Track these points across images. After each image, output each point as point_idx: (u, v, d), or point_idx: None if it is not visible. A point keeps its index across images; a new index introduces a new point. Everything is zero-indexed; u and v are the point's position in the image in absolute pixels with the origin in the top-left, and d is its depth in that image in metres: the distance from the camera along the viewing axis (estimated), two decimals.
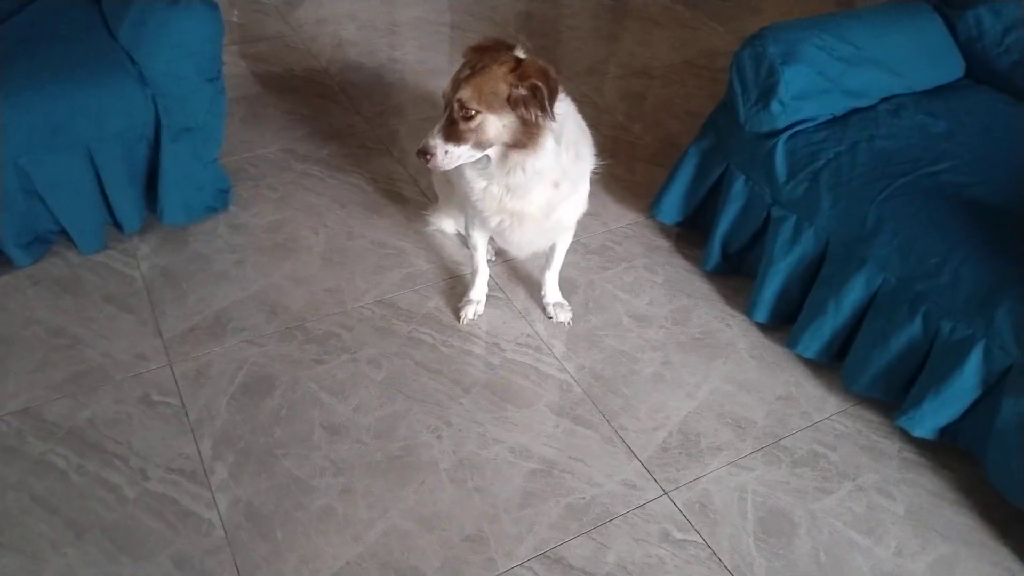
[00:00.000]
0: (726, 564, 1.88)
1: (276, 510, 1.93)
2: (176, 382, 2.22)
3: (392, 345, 2.36)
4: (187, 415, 2.14)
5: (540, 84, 1.81)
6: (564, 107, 1.96)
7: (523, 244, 2.20)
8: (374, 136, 3.22)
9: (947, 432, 2.08)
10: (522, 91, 1.82)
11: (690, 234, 2.75)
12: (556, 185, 2.03)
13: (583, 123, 2.10)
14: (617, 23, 4.28)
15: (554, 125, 1.89)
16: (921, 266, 2.05)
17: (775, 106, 2.33)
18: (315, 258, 2.64)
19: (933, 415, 2.05)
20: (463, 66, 1.88)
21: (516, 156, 1.92)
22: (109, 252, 2.58)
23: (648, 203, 2.81)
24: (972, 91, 2.54)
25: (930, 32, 2.59)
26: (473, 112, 1.84)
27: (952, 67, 2.60)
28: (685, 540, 1.93)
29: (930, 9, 2.61)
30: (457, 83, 1.85)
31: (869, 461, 2.13)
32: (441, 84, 3.57)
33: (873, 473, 2.10)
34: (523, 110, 1.84)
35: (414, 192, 2.94)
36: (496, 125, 1.86)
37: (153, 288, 2.49)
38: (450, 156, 1.88)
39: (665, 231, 2.80)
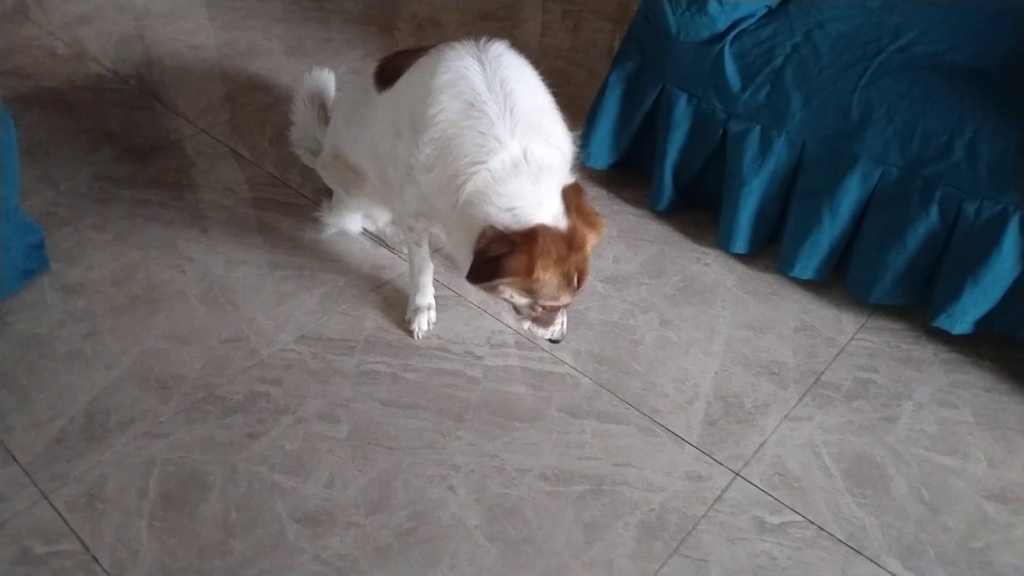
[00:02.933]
0: (839, 537, 1.59)
1: None
2: (63, 518, 1.58)
3: (342, 389, 1.83)
4: (97, 561, 1.51)
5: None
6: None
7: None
8: (209, 139, 2.58)
9: (982, 321, 1.91)
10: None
11: (627, 174, 2.41)
12: None
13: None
14: None
15: None
16: (927, 148, 1.84)
17: (712, 6, 2.02)
18: (192, 304, 2.02)
19: (973, 307, 1.87)
20: (566, 274, 1.54)
21: None
22: None
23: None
24: None
25: None
26: None
27: None
28: (784, 523, 1.61)
29: None
30: (580, 284, 1.59)
31: (913, 373, 1.92)
32: (265, 64, 3.01)
33: (923, 385, 1.90)
34: None
35: (287, 195, 2.36)
36: None
37: None
38: None
39: (597, 177, 2.44)
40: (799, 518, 1.62)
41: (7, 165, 1.90)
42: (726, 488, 1.67)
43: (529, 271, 1.49)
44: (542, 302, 1.60)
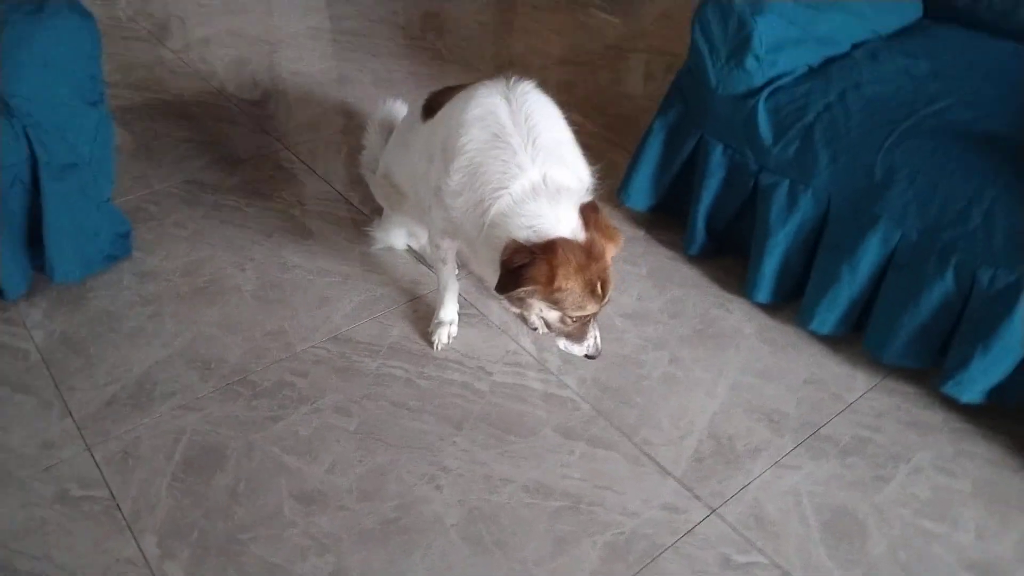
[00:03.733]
0: None
1: None
2: (100, 469, 1.79)
3: (359, 387, 1.99)
4: (119, 509, 1.71)
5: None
6: None
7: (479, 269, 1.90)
8: (290, 156, 2.84)
9: (994, 392, 1.88)
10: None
11: (664, 218, 2.50)
12: None
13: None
14: (520, 15, 4.02)
15: None
16: (945, 213, 1.85)
17: (750, 62, 2.10)
18: (246, 299, 2.24)
19: (983, 376, 1.85)
20: (591, 282, 1.64)
21: None
22: None
23: (610, 191, 2.54)
24: (938, 29, 2.39)
25: None
26: None
27: (911, 7, 2.45)
28: (750, 563, 1.65)
29: None
30: (604, 292, 1.69)
31: (917, 437, 1.91)
32: (353, 93, 3.27)
33: (925, 450, 1.88)
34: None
35: (348, 210, 2.58)
36: None
37: (53, 360, 2.03)
38: None
39: (637, 219, 2.54)
40: (766, 560, 1.65)
41: (104, 159, 2.18)
42: (699, 523, 1.72)
43: (550, 279, 1.59)
44: (569, 312, 1.69)
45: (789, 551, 1.67)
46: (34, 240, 2.13)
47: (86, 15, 2.03)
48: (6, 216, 2.05)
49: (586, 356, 1.81)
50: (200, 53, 3.49)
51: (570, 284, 1.62)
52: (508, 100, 1.78)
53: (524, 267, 1.60)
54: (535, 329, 2.15)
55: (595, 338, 1.79)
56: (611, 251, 1.69)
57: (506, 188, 1.67)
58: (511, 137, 1.72)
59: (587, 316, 1.72)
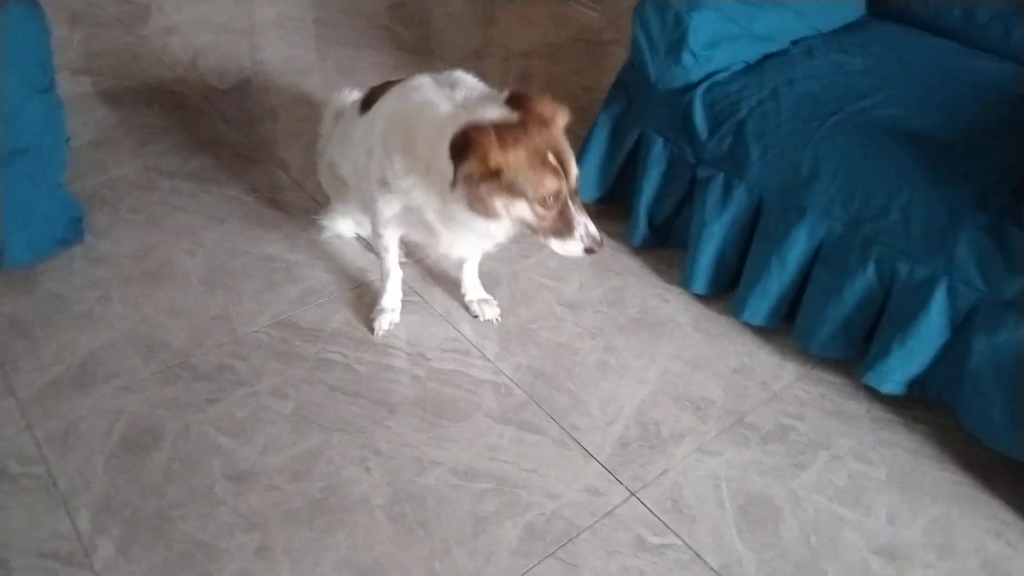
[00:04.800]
0: (712, 565, 1.67)
1: None
2: (39, 446, 1.84)
3: (298, 371, 2.04)
4: (56, 485, 1.76)
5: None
6: None
7: (458, 241, 1.91)
8: (248, 143, 2.87)
9: (915, 384, 1.94)
10: None
11: (610, 209, 2.54)
12: None
13: None
14: (492, 5, 4.05)
15: None
16: (867, 207, 1.90)
17: (686, 57, 2.15)
18: (193, 283, 2.28)
19: (901, 367, 1.90)
20: (538, 153, 1.60)
21: None
22: None
23: None
24: (877, 27, 2.43)
25: None
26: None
27: (853, 5, 2.49)
28: (663, 544, 1.70)
29: None
30: (565, 166, 1.63)
31: (839, 426, 1.96)
32: (317, 82, 3.30)
33: (846, 438, 1.93)
34: None
35: (301, 198, 2.62)
36: None
37: (0, 341, 2.08)
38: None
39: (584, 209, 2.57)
40: (679, 542, 1.70)
41: (54, 145, 2.22)
42: (618, 505, 1.77)
43: (485, 156, 1.56)
44: (531, 196, 1.61)
45: (702, 534, 1.72)
46: None
47: (33, 4, 2.06)
48: None
49: (587, 251, 1.66)
50: (167, 40, 3.51)
51: (511, 158, 1.58)
52: (436, 81, 1.82)
53: (462, 152, 1.58)
54: (476, 316, 2.21)
55: (585, 224, 1.65)
56: (558, 121, 1.66)
57: (438, 132, 1.67)
58: (436, 100, 1.74)
59: (556, 196, 1.63)
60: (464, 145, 1.58)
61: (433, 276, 2.36)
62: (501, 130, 1.59)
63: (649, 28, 2.18)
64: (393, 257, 2.12)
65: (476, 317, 2.21)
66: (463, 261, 2.17)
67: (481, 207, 1.65)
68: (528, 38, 3.66)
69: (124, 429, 1.88)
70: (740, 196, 2.13)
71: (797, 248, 2.03)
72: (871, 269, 1.91)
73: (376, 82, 2.13)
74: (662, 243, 2.44)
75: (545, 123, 1.64)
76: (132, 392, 1.97)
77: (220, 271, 2.33)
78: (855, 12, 2.48)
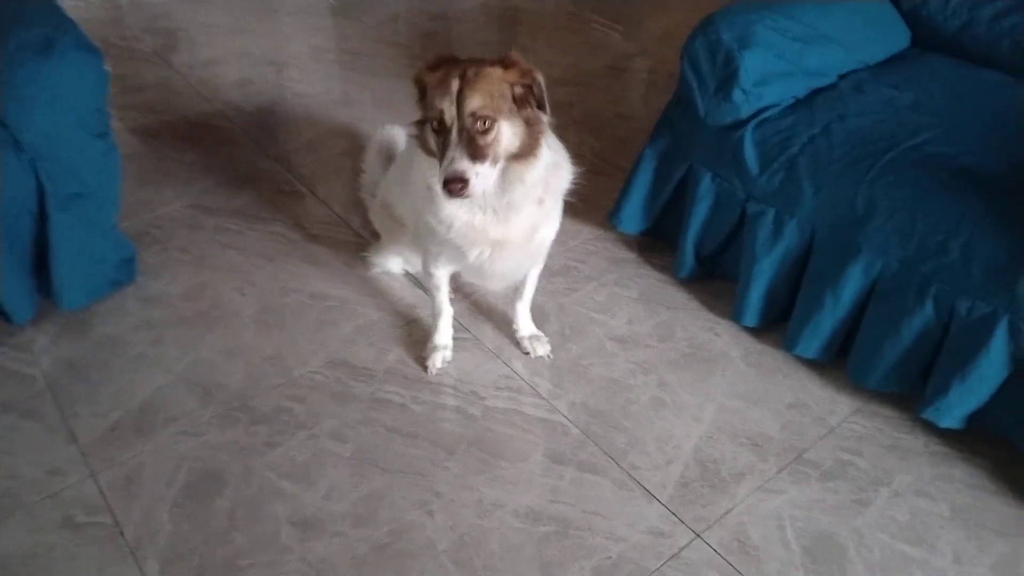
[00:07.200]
0: None
1: None
2: (103, 495, 1.85)
3: (355, 412, 2.05)
4: (123, 534, 1.78)
5: (537, 76, 1.65)
6: None
7: (503, 275, 1.96)
8: (290, 178, 2.90)
9: (975, 418, 1.93)
10: (521, 89, 1.66)
11: (655, 242, 2.55)
12: (540, 202, 1.82)
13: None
14: (527, 34, 4.08)
15: (545, 125, 1.73)
16: (925, 245, 1.90)
17: (737, 95, 2.15)
18: (246, 323, 2.30)
19: (961, 402, 1.90)
20: (448, 77, 1.61)
21: (516, 167, 1.71)
22: None
23: (604, 215, 2.60)
24: (924, 59, 2.43)
25: (871, 4, 2.48)
26: (489, 121, 1.61)
27: (898, 37, 2.50)
28: None
29: None
30: (461, 93, 1.60)
31: (898, 461, 1.96)
32: (353, 114, 3.33)
33: (905, 474, 1.93)
34: (528, 110, 1.67)
35: (347, 234, 2.64)
36: (508, 132, 1.66)
37: (58, 386, 2.10)
38: (481, 178, 1.61)
39: (628, 242, 2.60)
40: None
41: (109, 188, 2.25)
42: (684, 547, 1.77)
43: (416, 73, 1.70)
44: (428, 114, 1.64)
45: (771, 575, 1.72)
46: (41, 267, 2.20)
47: (93, 52, 2.09)
48: (15, 245, 2.12)
49: (446, 186, 1.58)
50: (205, 73, 3.55)
51: (429, 78, 1.65)
52: None
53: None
54: (527, 353, 2.21)
55: (453, 158, 1.58)
56: (494, 69, 1.64)
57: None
58: None
59: (442, 121, 1.61)
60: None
61: (483, 312, 2.37)
62: (443, 61, 1.67)
63: (699, 66, 2.19)
64: (444, 295, 2.13)
65: (527, 354, 2.21)
66: (513, 292, 2.19)
67: (423, 141, 1.71)
68: (560, 66, 3.68)
69: (186, 475, 1.90)
70: (791, 232, 2.14)
71: (852, 285, 2.03)
72: (929, 306, 1.91)
73: (414, 114, 2.14)
74: (709, 276, 2.44)
75: (478, 65, 1.64)
76: (192, 436, 1.99)
77: (271, 310, 2.35)
78: (900, 43, 2.49)
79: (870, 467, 1.94)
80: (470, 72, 1.61)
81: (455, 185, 1.58)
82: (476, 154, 1.60)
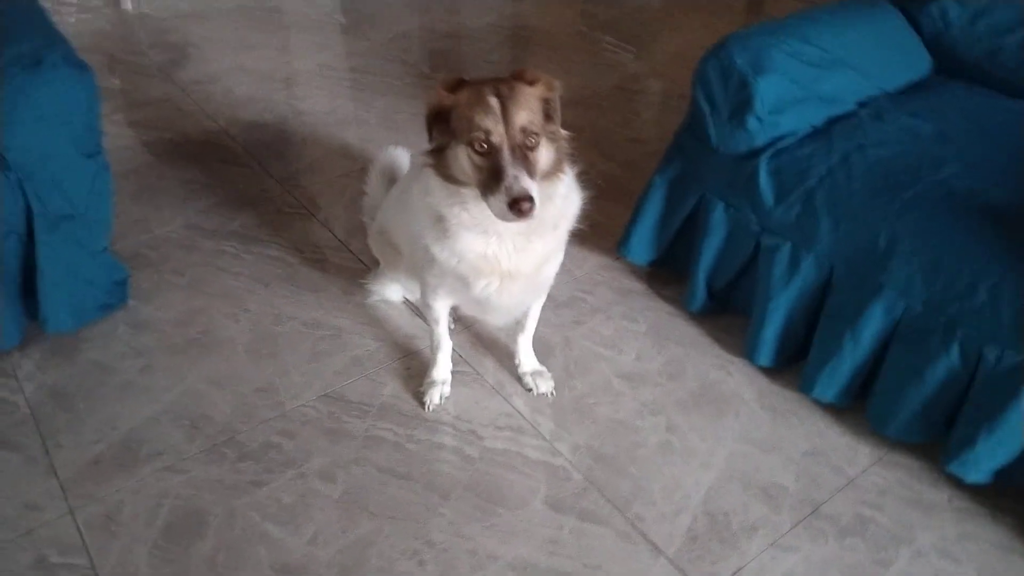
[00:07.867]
0: None
1: None
2: (81, 534, 1.76)
3: (347, 450, 1.96)
4: None
5: (558, 87, 1.59)
6: None
7: (508, 309, 1.87)
8: (291, 200, 2.82)
9: (1002, 472, 1.81)
10: (546, 104, 1.58)
11: (665, 273, 2.45)
12: (556, 227, 1.73)
13: None
14: (538, 54, 4.01)
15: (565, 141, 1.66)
16: (950, 287, 1.79)
17: (751, 122, 2.06)
18: (238, 352, 2.22)
19: (988, 457, 1.78)
20: (482, 95, 1.51)
21: (546, 187, 1.62)
22: None
23: (613, 242, 2.50)
24: (946, 87, 2.34)
25: (890, 28, 2.39)
26: (536, 137, 1.54)
27: (919, 63, 2.40)
28: None
29: (887, 5, 2.41)
30: (505, 110, 1.50)
31: (921, 517, 1.84)
32: (358, 134, 3.25)
33: (928, 532, 1.81)
34: (552, 125, 1.59)
35: (346, 259, 2.55)
36: (546, 148, 1.58)
37: (42, 415, 2.02)
38: (538, 197, 1.50)
39: (637, 272, 2.50)
40: None
41: (100, 209, 2.17)
42: None
43: (433, 98, 1.57)
44: (468, 137, 1.51)
45: None
46: (29, 290, 2.12)
47: (83, 68, 2.02)
48: (1, 267, 2.04)
49: (512, 206, 1.45)
50: (208, 90, 3.49)
51: (454, 99, 1.54)
52: None
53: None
54: (529, 390, 2.11)
55: (516, 177, 1.46)
56: (523, 85, 1.55)
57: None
58: None
59: (488, 141, 1.49)
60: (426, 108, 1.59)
61: (484, 344, 2.27)
62: (461, 83, 1.57)
63: (711, 90, 2.10)
64: (443, 328, 2.04)
65: (530, 391, 2.12)
66: (515, 325, 2.09)
67: (444, 168, 1.60)
68: (571, 86, 3.56)
69: (168, 515, 1.81)
70: (808, 267, 2.03)
71: (872, 325, 1.92)
72: (955, 352, 1.80)
73: (420, 135, 2.05)
74: (721, 309, 2.34)
75: (512, 80, 1.57)
76: (176, 473, 1.90)
77: (265, 338, 2.26)
78: (921, 69, 2.39)
79: (891, 523, 1.83)
80: (504, 88, 1.52)
81: (525, 204, 1.46)
82: (531, 171, 1.52)
